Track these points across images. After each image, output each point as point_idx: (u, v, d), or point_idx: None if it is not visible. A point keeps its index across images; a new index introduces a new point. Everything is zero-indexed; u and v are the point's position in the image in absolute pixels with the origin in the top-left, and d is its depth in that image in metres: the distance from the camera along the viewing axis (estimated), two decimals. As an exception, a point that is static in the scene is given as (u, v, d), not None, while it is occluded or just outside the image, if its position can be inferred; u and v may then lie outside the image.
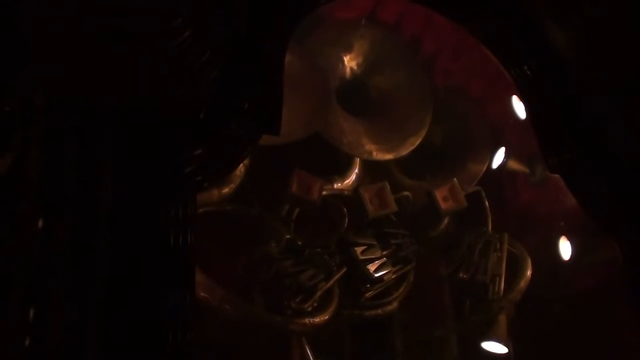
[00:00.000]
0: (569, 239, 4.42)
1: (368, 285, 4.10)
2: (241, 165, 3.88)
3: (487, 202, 4.54)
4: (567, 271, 4.39)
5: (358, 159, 4.44)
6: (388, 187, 4.23)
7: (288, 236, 4.04)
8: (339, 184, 4.35)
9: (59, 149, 2.38)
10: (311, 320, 3.82)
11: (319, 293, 3.88)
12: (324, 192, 4.10)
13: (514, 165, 4.68)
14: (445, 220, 4.51)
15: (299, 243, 4.03)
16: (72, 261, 2.26)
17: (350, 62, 4.52)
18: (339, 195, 4.28)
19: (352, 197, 4.27)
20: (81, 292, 2.24)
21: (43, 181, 2.33)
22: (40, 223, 2.27)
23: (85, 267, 2.27)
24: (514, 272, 4.35)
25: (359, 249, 4.12)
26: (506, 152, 4.64)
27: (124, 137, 2.43)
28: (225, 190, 3.91)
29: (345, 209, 4.22)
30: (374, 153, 4.38)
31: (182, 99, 2.51)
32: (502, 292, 4.26)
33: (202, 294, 3.52)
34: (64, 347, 2.18)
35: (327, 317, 3.87)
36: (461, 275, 4.30)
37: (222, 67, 2.58)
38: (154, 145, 2.46)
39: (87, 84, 2.40)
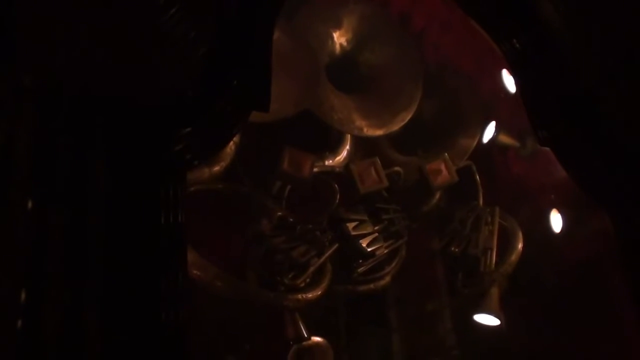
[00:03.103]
0: (560, 211, 4.44)
1: (360, 261, 4.11)
2: (231, 143, 3.88)
3: (478, 177, 4.56)
4: (559, 243, 4.40)
5: (349, 135, 4.43)
6: (379, 162, 4.23)
7: (279, 213, 4.04)
8: (330, 161, 4.34)
9: (48, 132, 2.37)
10: (304, 296, 3.83)
11: (311, 269, 3.89)
12: (315, 169, 4.10)
13: (504, 139, 4.69)
14: (437, 195, 4.52)
15: (291, 220, 4.03)
16: (64, 243, 2.25)
17: (339, 39, 4.50)
18: (330, 172, 4.28)
19: (343, 174, 4.28)
20: (74, 274, 2.24)
21: (33, 164, 2.32)
22: (30, 206, 2.26)
23: (78, 249, 2.26)
24: (506, 245, 4.36)
25: (350, 225, 4.13)
26: (497, 126, 4.65)
27: (113, 117, 2.42)
28: (216, 168, 3.91)
29: (336, 186, 4.21)
30: (365, 129, 4.37)
31: (170, 77, 2.50)
32: (493, 265, 4.28)
33: (194, 272, 3.52)
34: (57, 330, 2.17)
35: (320, 293, 3.88)
36: (453, 249, 4.32)
37: (210, 44, 2.57)
38: (143, 124, 2.46)
39: (75, 66, 2.39)
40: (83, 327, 2.20)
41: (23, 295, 2.17)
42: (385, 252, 4.20)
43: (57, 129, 2.37)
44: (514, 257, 4.32)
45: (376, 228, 4.20)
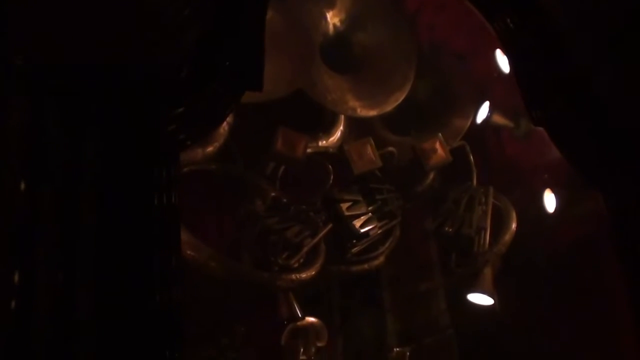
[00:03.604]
0: (554, 191, 4.44)
1: (354, 241, 4.11)
2: (225, 123, 3.87)
3: (471, 157, 4.56)
4: (552, 224, 4.41)
5: (342, 116, 4.42)
6: (373, 143, 4.23)
7: (273, 194, 4.04)
8: (324, 142, 4.33)
9: (40, 110, 2.36)
10: (298, 276, 3.83)
11: (305, 249, 3.89)
12: (309, 150, 4.09)
13: (498, 119, 4.68)
14: (431, 175, 4.53)
15: (285, 201, 4.03)
16: (57, 225, 2.25)
17: (333, 19, 4.49)
18: (323, 153, 4.27)
19: (337, 154, 4.27)
20: (67, 255, 2.23)
21: (25, 146, 2.31)
22: (22, 187, 2.26)
23: (70, 229, 2.26)
24: (499, 225, 4.37)
25: (344, 205, 4.13)
26: (490, 107, 4.64)
27: (105, 98, 2.41)
28: (210, 149, 3.89)
29: (330, 166, 4.21)
30: (358, 110, 4.36)
31: (162, 57, 2.49)
32: (487, 245, 4.29)
33: (188, 252, 3.52)
34: (51, 309, 2.17)
35: (313, 273, 3.89)
36: (447, 229, 4.32)
37: (203, 24, 2.55)
38: (135, 104, 2.45)
39: (67, 45, 2.38)
40: (76, 308, 2.20)
41: (16, 277, 2.17)
42: (379, 232, 4.20)
43: (49, 109, 2.36)
44: (507, 237, 4.33)
45: (370, 208, 4.20)
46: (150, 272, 2.35)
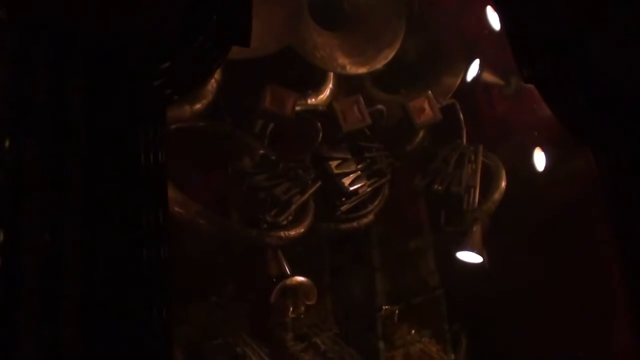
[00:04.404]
0: (544, 149, 4.43)
1: (343, 199, 4.12)
2: (213, 80, 3.85)
3: (461, 115, 4.54)
4: (542, 182, 4.40)
5: (332, 73, 4.40)
6: (362, 100, 4.21)
7: (262, 151, 4.03)
8: (313, 99, 4.31)
9: (25, 66, 2.34)
10: (287, 233, 3.83)
11: (294, 206, 3.89)
12: (298, 108, 4.07)
13: (488, 77, 4.66)
14: (420, 134, 4.51)
15: (273, 158, 4.02)
16: (43, 184, 2.23)
17: (322, -25, 4.44)
18: (312, 111, 4.26)
19: (326, 112, 4.26)
20: (53, 213, 2.22)
21: (10, 101, 2.29)
22: (7, 143, 2.24)
23: (57, 187, 2.24)
24: (489, 183, 4.37)
25: (333, 163, 4.13)
26: (481, 64, 4.61)
27: (91, 52, 2.39)
28: (197, 106, 3.87)
29: (319, 124, 4.19)
30: (348, 67, 4.33)
31: (148, 10, 2.46)
32: (476, 203, 4.29)
33: (176, 209, 3.51)
34: (36, 269, 2.16)
35: (302, 231, 3.89)
36: (436, 187, 4.32)
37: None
38: (122, 59, 2.42)
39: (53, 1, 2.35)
40: (62, 266, 2.19)
41: (1, 236, 2.15)
42: (368, 190, 4.20)
43: (34, 66, 2.33)
44: (497, 195, 4.33)
45: (359, 166, 4.20)
46: (138, 230, 2.33)
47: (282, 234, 3.81)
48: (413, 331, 4.34)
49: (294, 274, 3.91)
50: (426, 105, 4.38)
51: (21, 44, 2.33)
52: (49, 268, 2.17)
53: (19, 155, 2.24)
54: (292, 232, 3.85)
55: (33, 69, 2.33)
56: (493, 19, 4.34)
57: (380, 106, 4.39)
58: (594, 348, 3.94)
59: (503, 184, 4.36)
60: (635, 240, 3.04)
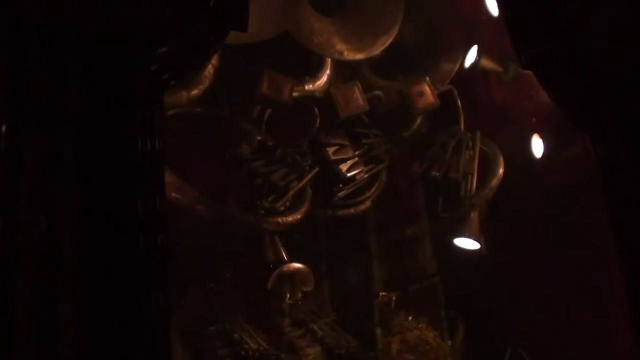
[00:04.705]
0: (542, 136, 4.42)
1: (340, 185, 4.11)
2: (210, 66, 3.84)
3: (459, 101, 4.53)
4: (539, 168, 4.40)
5: (329, 59, 4.38)
6: (360, 86, 4.20)
7: (259, 137, 4.02)
8: (310, 85, 4.30)
9: (21, 51, 2.32)
10: (284, 219, 3.83)
11: (291, 192, 3.89)
12: (295, 94, 4.06)
13: (486, 63, 4.65)
14: (418, 120, 4.50)
15: (270, 144, 4.01)
16: (38, 167, 2.22)
17: (319, -40, 4.42)
18: (310, 96, 4.25)
19: (324, 98, 4.25)
20: (48, 198, 2.21)
21: (7, 87, 2.28)
22: (4, 129, 2.23)
23: (53, 173, 2.23)
24: (486, 169, 4.36)
25: (330, 149, 4.12)
26: (479, 50, 4.60)
27: (88, 36, 2.37)
28: (195, 91, 3.86)
29: (316, 110, 4.19)
30: (345, 53, 4.32)
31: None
32: (474, 190, 4.28)
33: (173, 194, 3.51)
34: (32, 255, 2.16)
35: (299, 217, 3.89)
36: (434, 173, 4.31)
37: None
38: (119, 44, 2.41)
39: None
40: (58, 252, 2.18)
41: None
42: (365, 176, 4.20)
43: (29, 50, 2.32)
44: (494, 182, 4.32)
45: (356, 152, 4.20)
46: (134, 216, 2.33)
47: (279, 220, 3.81)
48: (410, 318, 4.34)
49: (291, 260, 3.90)
50: (424, 92, 4.37)
51: (16, 30, 2.32)
52: (44, 254, 2.16)
53: (14, 140, 2.23)
54: (290, 218, 3.85)
55: (28, 54, 2.32)
56: (491, 4, 4.33)
57: (378, 92, 4.39)
58: (591, 333, 3.95)
59: (501, 170, 4.35)
60: (633, 227, 3.04)
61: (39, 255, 2.16)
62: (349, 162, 4.14)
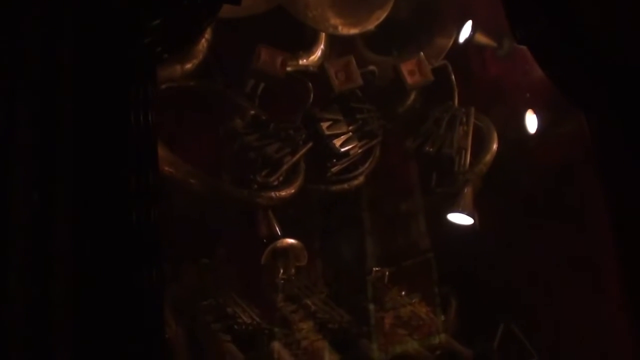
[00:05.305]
0: (536, 112, 4.42)
1: (334, 160, 4.11)
2: (204, 40, 3.83)
3: (453, 76, 4.52)
4: (533, 144, 4.40)
5: (323, 34, 4.36)
6: (354, 61, 4.19)
7: (252, 112, 4.01)
8: (304, 60, 4.28)
9: (16, 22, 2.31)
10: (277, 193, 3.83)
11: (284, 167, 3.89)
12: (289, 68, 4.05)
13: (481, 38, 4.64)
14: (412, 95, 4.49)
15: (264, 118, 4.00)
16: (31, 142, 2.21)
17: None
18: (304, 71, 4.23)
19: (318, 73, 4.23)
20: (42, 173, 2.20)
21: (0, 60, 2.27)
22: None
23: (45, 148, 2.22)
24: (480, 145, 4.36)
25: (324, 124, 4.11)
26: (473, 26, 4.58)
27: (80, 9, 2.36)
28: (188, 66, 3.85)
29: (310, 84, 4.17)
30: (340, 27, 4.30)
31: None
32: (468, 165, 4.28)
33: (166, 168, 3.50)
34: (25, 230, 2.15)
35: (293, 191, 3.89)
36: (427, 149, 4.30)
37: None
38: (111, 16, 2.39)
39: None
40: (52, 227, 2.17)
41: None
42: (359, 151, 4.19)
43: (23, 23, 2.31)
44: (488, 157, 4.32)
45: (350, 128, 4.19)
46: (127, 190, 2.32)
47: (272, 194, 3.81)
48: (403, 293, 4.34)
49: (284, 236, 3.90)
50: (418, 67, 4.36)
51: (10, 3, 2.30)
52: (38, 229, 2.16)
53: (6, 115, 2.22)
54: (283, 193, 3.84)
55: (22, 28, 2.30)
56: (485, -21, 4.32)
57: (372, 67, 4.37)
58: (584, 308, 3.96)
59: (495, 146, 4.35)
60: (626, 203, 3.04)
61: (32, 230, 2.15)
62: (343, 137, 4.14)
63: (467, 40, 4.61)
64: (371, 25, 4.40)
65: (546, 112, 4.36)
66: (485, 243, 4.26)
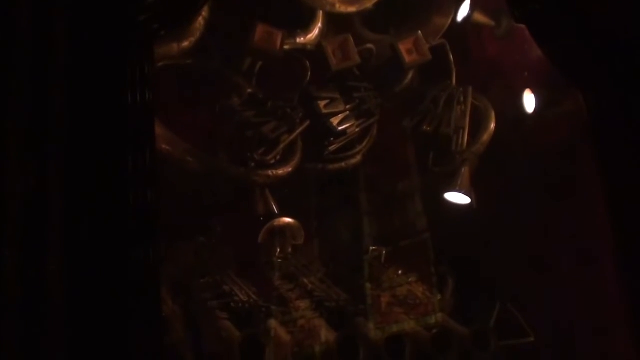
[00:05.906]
0: (534, 91, 4.41)
1: (331, 139, 4.10)
2: (201, 18, 3.81)
3: (451, 55, 4.50)
4: (531, 124, 4.39)
5: (321, 12, 4.35)
6: (351, 39, 4.17)
7: (250, 90, 4.00)
8: (302, 38, 4.27)
9: (12, 2, 2.30)
10: (275, 172, 3.83)
11: (282, 145, 3.88)
12: (286, 46, 4.04)
13: (479, 17, 4.62)
14: (409, 74, 4.47)
15: (261, 96, 4.00)
16: (28, 122, 2.21)
17: None
18: (301, 49, 4.22)
19: (315, 51, 4.22)
20: (37, 154, 2.20)
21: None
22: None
23: (41, 127, 2.22)
24: (478, 124, 4.35)
25: (322, 103, 4.10)
26: (471, 4, 4.57)
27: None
28: (185, 44, 3.84)
29: (307, 63, 4.16)
30: (337, 5, 4.29)
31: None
32: (465, 145, 4.27)
33: (164, 146, 3.49)
34: (19, 213, 2.15)
35: (290, 170, 3.89)
36: (425, 128, 4.30)
37: None
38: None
39: None
40: (47, 207, 2.18)
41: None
42: (356, 130, 4.18)
43: (18, 2, 2.30)
44: (486, 137, 4.31)
45: (347, 106, 4.18)
46: (124, 169, 2.32)
47: (270, 172, 3.81)
48: (400, 272, 4.35)
49: (281, 215, 3.91)
50: (416, 46, 4.34)
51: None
52: (33, 210, 2.16)
53: (3, 93, 2.21)
54: (280, 171, 3.84)
55: (18, 6, 2.29)
56: (483, -43, 4.31)
57: (369, 45, 4.36)
58: (581, 287, 3.97)
59: (492, 125, 4.33)
60: (623, 182, 3.05)
61: (28, 208, 2.15)
62: (340, 116, 4.13)
63: (466, 19, 4.59)
64: (369, 4, 4.38)
65: (544, 91, 4.35)
66: (482, 222, 4.26)
